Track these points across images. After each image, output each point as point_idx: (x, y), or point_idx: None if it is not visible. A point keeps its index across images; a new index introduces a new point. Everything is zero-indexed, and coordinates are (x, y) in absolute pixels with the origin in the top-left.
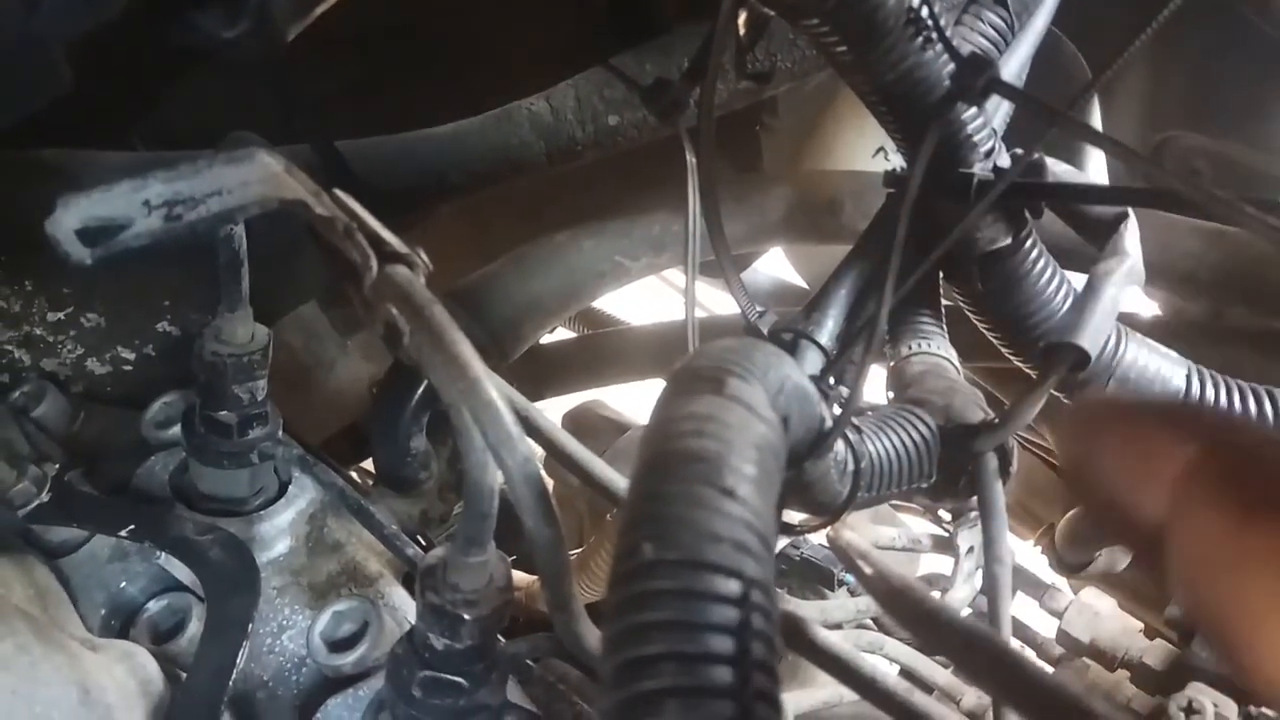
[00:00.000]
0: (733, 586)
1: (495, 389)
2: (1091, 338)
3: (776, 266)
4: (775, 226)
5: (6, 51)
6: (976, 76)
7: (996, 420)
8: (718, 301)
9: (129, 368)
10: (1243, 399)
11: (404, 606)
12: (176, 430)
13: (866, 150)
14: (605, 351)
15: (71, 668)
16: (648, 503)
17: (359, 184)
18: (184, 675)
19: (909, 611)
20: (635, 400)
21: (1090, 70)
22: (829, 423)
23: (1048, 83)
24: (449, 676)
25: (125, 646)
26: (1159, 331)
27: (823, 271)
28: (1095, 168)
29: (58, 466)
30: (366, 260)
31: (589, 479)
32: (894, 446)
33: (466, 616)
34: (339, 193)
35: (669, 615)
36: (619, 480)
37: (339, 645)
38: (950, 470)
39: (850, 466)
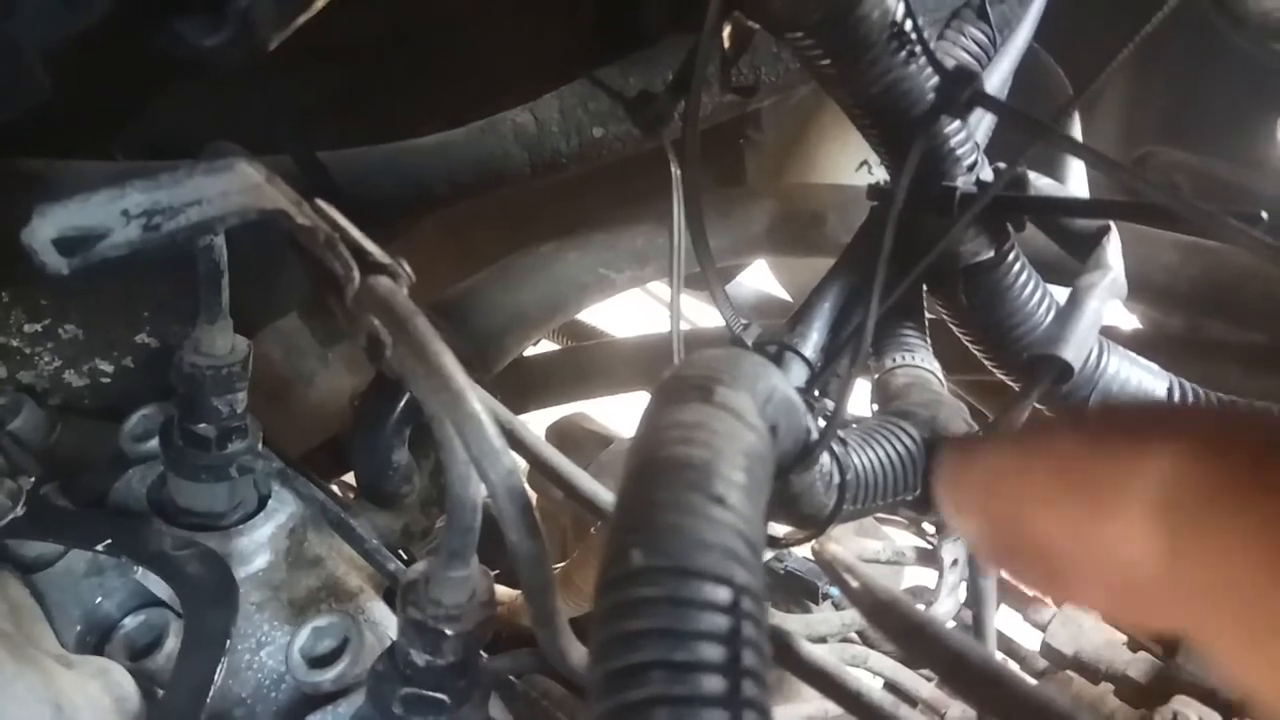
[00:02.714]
0: (722, 594)
1: (478, 401)
2: (1075, 350)
3: (760, 279)
4: (759, 239)
5: None
6: (961, 90)
7: (981, 433)
8: (702, 314)
9: (107, 380)
10: None
11: (385, 622)
12: (155, 443)
13: (849, 164)
14: (589, 364)
15: (45, 685)
16: (636, 509)
17: (341, 195)
18: (160, 692)
19: (895, 625)
20: (619, 413)
21: (1070, 84)
22: (815, 435)
23: (1028, 97)
24: (431, 693)
25: (100, 663)
26: (1139, 344)
27: (806, 284)
28: (1076, 181)
29: (33, 480)
30: (348, 271)
31: (573, 492)
32: (879, 459)
33: (449, 632)
34: (321, 203)
35: (658, 623)
36: (604, 494)
37: (318, 661)
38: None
39: (836, 479)
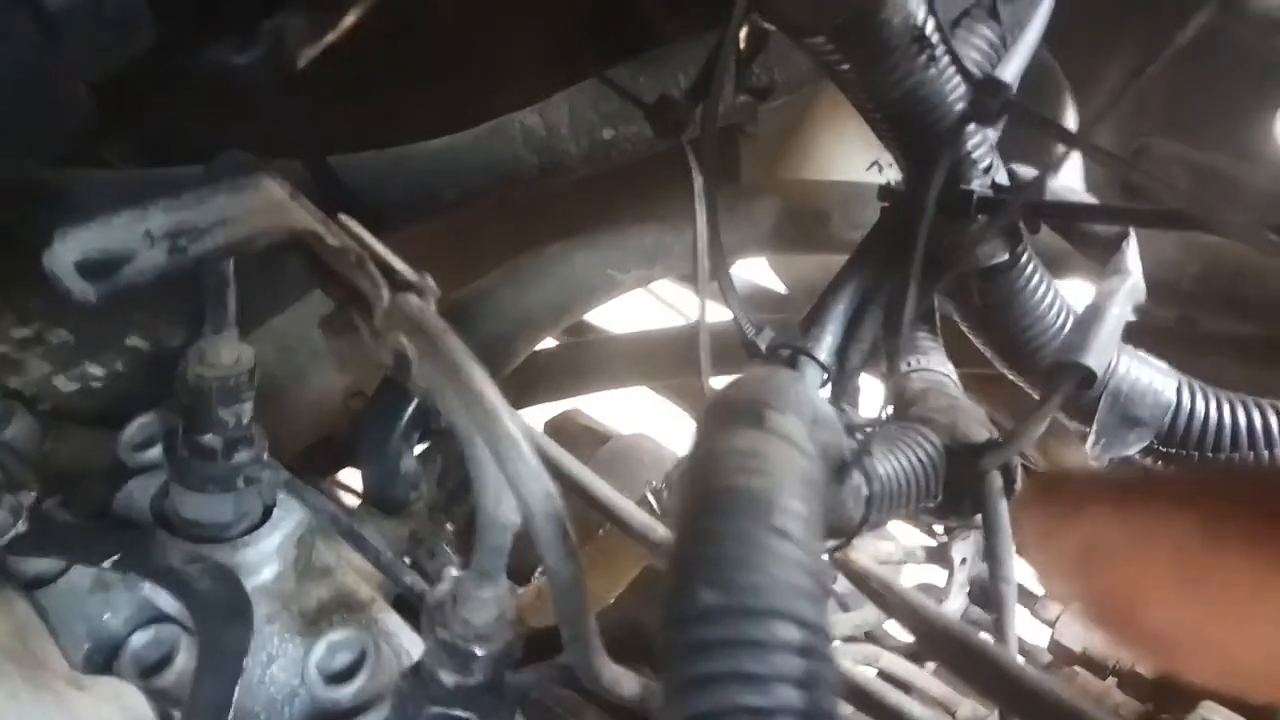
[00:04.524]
0: (794, 633)
1: (514, 421)
2: (1097, 357)
3: (751, 271)
4: (765, 237)
5: (24, 90)
6: (992, 99)
7: (1001, 439)
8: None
9: (98, 384)
10: (1232, 411)
11: (398, 632)
12: (155, 452)
13: (843, 155)
14: (588, 359)
15: (61, 711)
16: (700, 542)
17: (354, 202)
18: (175, 713)
19: (949, 647)
20: (615, 409)
21: (1066, 79)
22: (847, 451)
23: (1022, 91)
24: (459, 713)
25: (114, 685)
26: (1134, 337)
27: (803, 277)
28: (1072, 173)
29: (34, 495)
30: (377, 290)
31: (602, 507)
32: (903, 468)
33: (479, 652)
34: (346, 219)
35: (734, 666)
36: (629, 507)
37: (336, 677)
38: (954, 488)
39: (864, 491)
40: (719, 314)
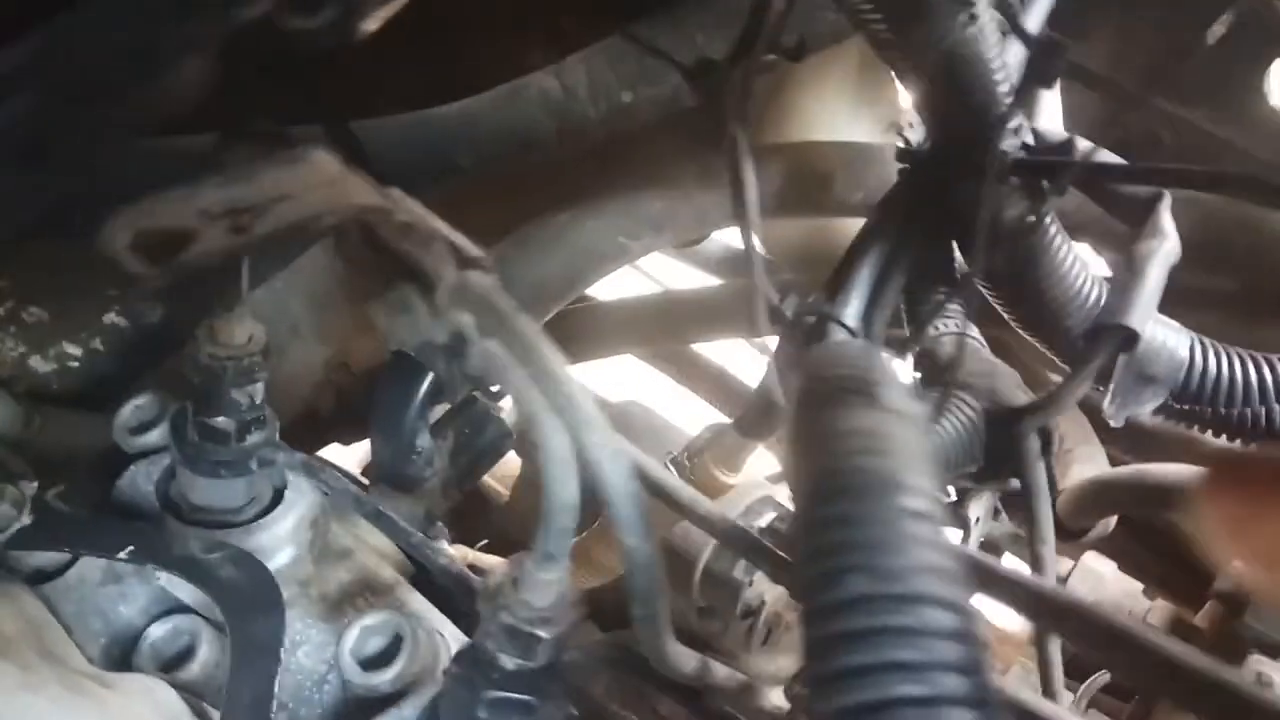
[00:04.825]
0: (948, 618)
1: (593, 404)
2: (1140, 318)
3: (728, 234)
4: (770, 201)
5: (151, 61)
6: (1055, 62)
7: (1040, 402)
8: (680, 276)
9: (75, 364)
10: (1243, 367)
11: (424, 613)
12: (155, 436)
13: (825, 114)
14: (577, 327)
15: (101, 713)
16: (838, 529)
17: (370, 168)
18: (206, 706)
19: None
20: (604, 376)
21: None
22: None
23: None
24: (519, 696)
25: (143, 681)
26: None
27: (783, 238)
28: (1051, 116)
29: (35, 485)
30: (441, 267)
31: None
32: (949, 435)
33: (543, 635)
34: (399, 193)
35: (895, 656)
36: (675, 481)
37: (373, 662)
38: (994, 452)
39: None
40: (700, 280)
